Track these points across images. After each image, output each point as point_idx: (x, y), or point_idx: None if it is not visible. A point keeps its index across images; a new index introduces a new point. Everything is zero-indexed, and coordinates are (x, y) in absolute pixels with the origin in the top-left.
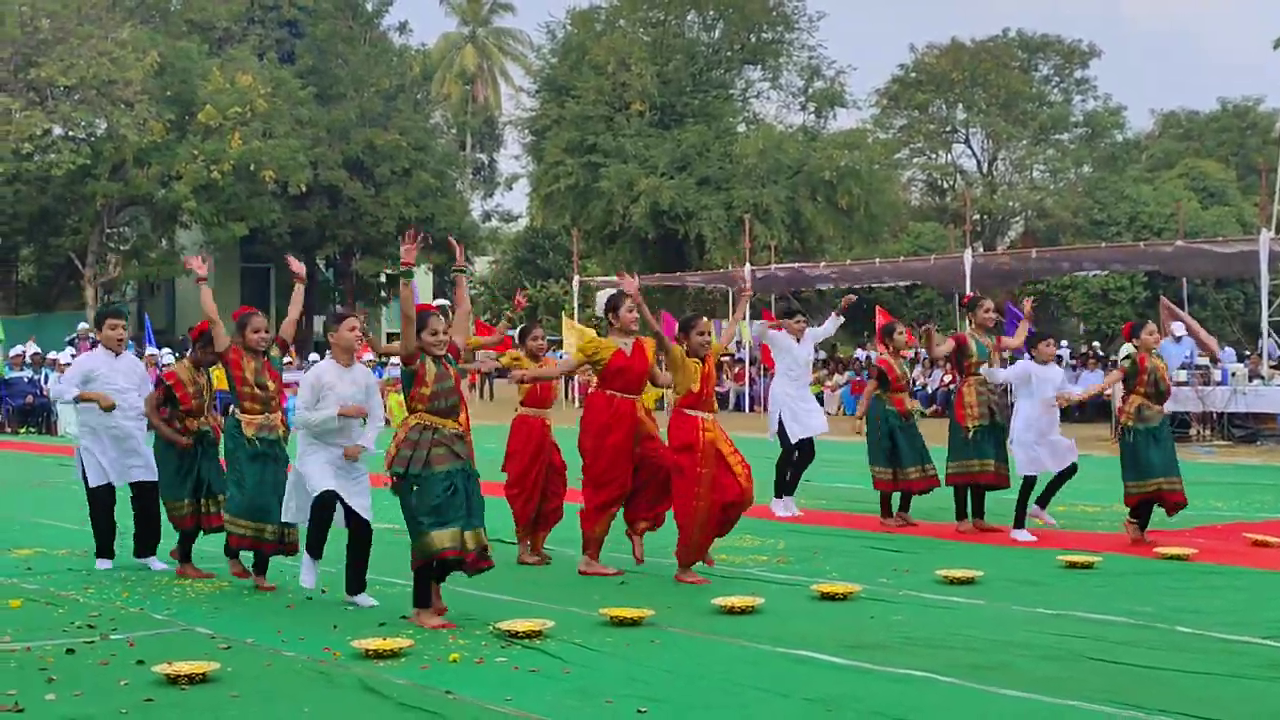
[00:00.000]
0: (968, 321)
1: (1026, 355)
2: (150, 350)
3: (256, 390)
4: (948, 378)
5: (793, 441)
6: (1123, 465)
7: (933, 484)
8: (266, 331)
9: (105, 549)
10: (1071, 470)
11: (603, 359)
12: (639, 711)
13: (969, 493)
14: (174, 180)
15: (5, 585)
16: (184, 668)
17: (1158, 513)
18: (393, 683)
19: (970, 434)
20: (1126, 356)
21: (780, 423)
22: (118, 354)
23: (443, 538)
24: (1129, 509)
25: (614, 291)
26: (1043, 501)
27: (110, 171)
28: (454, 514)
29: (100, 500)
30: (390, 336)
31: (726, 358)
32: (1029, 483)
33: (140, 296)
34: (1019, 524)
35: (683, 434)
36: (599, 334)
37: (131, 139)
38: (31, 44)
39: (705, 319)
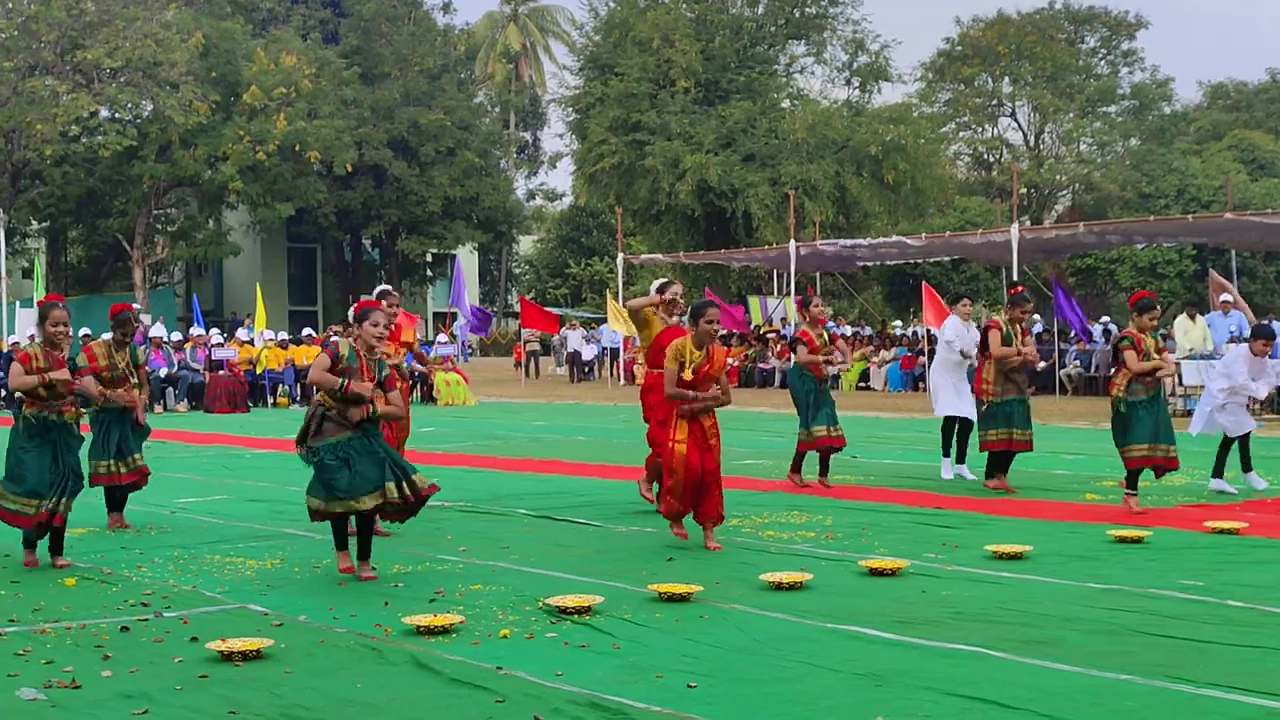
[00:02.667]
0: (1003, 311)
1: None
2: (197, 330)
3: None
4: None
5: (952, 413)
6: (1114, 432)
7: (839, 443)
8: (66, 325)
9: None
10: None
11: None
12: (689, 686)
13: (998, 455)
14: (220, 161)
15: (61, 565)
16: (238, 645)
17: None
18: (444, 659)
19: (985, 407)
20: (1124, 337)
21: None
22: None
23: (318, 503)
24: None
25: (668, 283)
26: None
27: (157, 153)
28: (343, 485)
29: None
30: (437, 316)
31: (772, 334)
32: (1226, 442)
33: (188, 277)
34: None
35: (666, 405)
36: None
37: (177, 120)
38: (77, 27)
39: (715, 308)
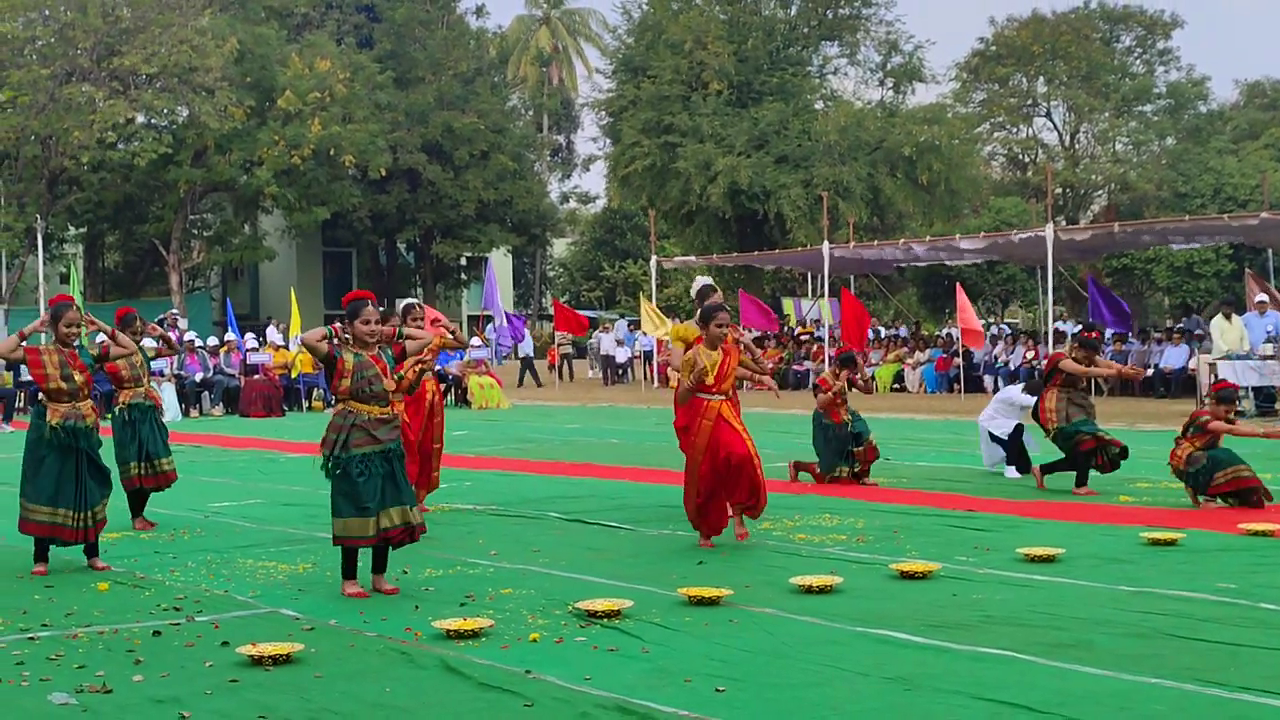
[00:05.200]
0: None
1: None
2: (231, 335)
3: (62, 384)
4: (1030, 354)
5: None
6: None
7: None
8: (77, 326)
9: None
10: None
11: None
12: (717, 690)
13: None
14: (255, 166)
15: (100, 569)
16: (268, 649)
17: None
18: (473, 663)
19: (1051, 434)
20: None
21: None
22: None
23: (351, 525)
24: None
25: (709, 288)
26: None
27: (192, 158)
28: (371, 499)
29: None
30: (471, 319)
31: (806, 337)
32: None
33: (224, 281)
34: None
35: (688, 413)
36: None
37: (213, 126)
38: (113, 33)
39: (724, 311)
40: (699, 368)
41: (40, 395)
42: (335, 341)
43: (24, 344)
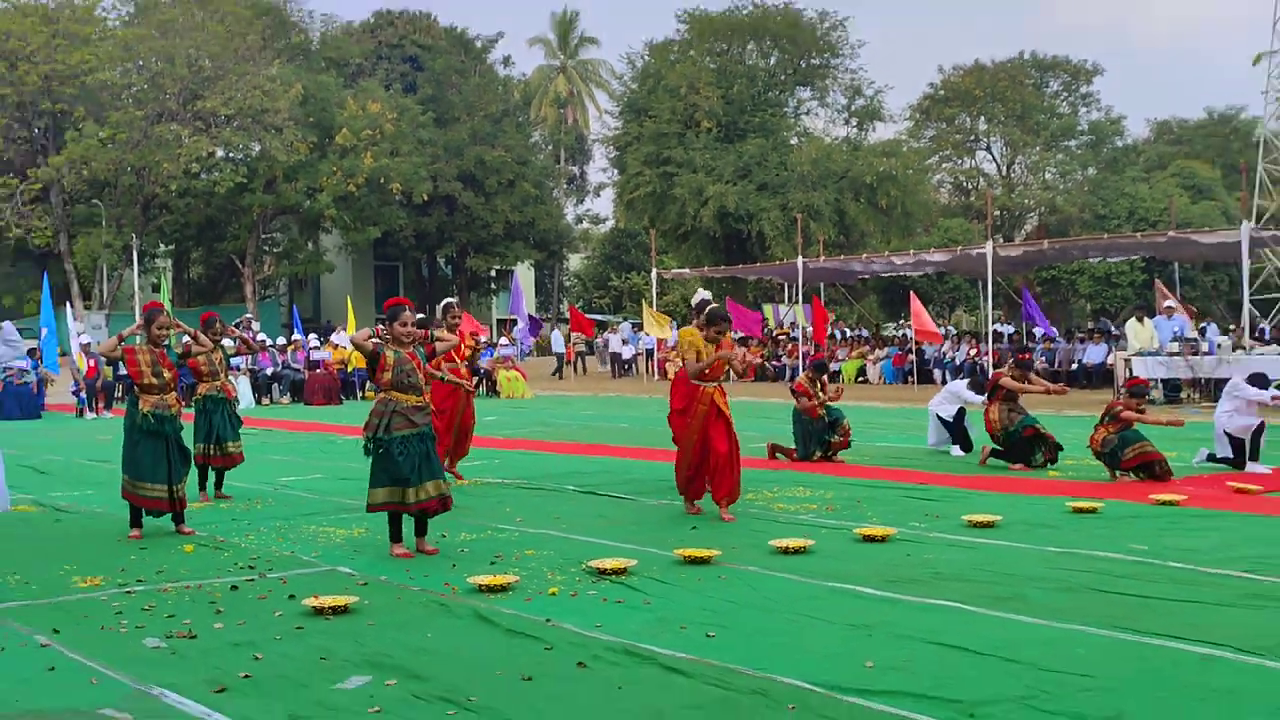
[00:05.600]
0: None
1: None
2: (297, 335)
3: (153, 379)
4: (973, 352)
5: None
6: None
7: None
8: (166, 329)
9: None
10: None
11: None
12: (708, 636)
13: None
14: (317, 193)
15: (186, 533)
16: (328, 601)
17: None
18: (501, 612)
19: (999, 439)
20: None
21: None
22: None
23: (387, 494)
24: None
25: (706, 301)
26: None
27: (264, 186)
28: (410, 472)
29: None
30: (500, 323)
31: (783, 337)
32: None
33: (290, 290)
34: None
35: (685, 398)
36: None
37: (281, 158)
38: (197, 80)
39: (726, 322)
40: (703, 359)
41: (134, 388)
42: (378, 340)
43: (122, 344)
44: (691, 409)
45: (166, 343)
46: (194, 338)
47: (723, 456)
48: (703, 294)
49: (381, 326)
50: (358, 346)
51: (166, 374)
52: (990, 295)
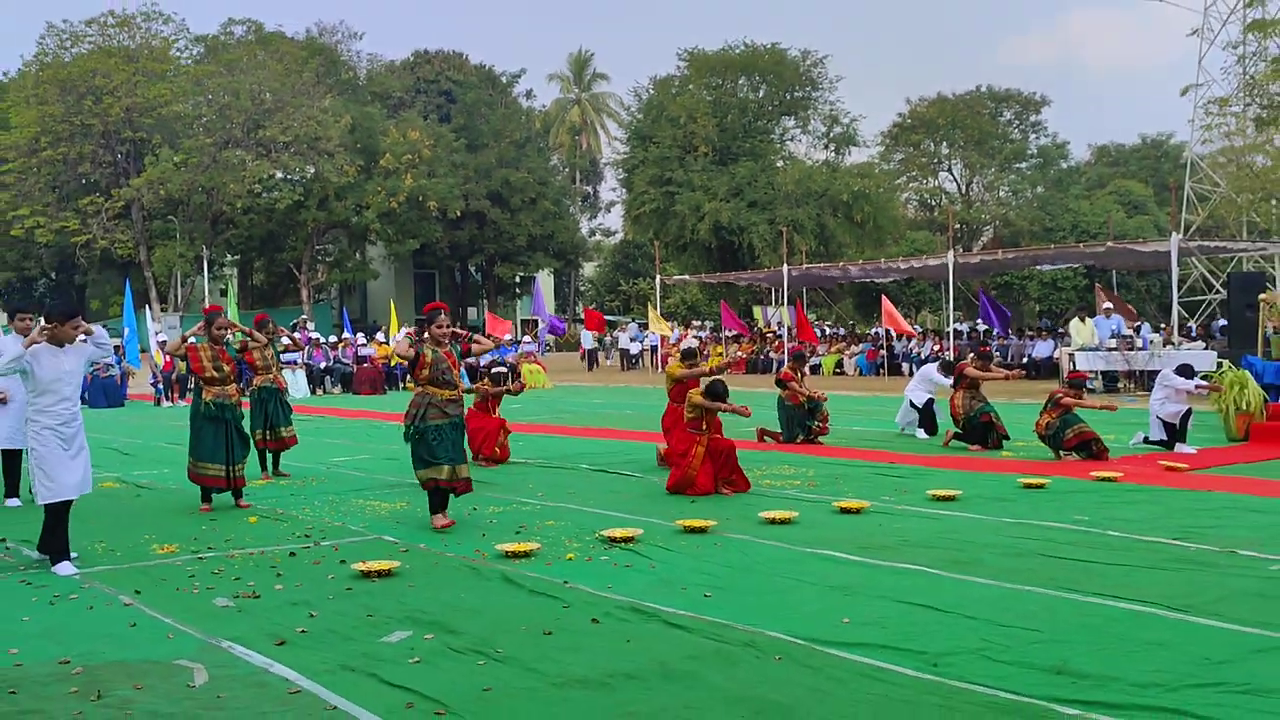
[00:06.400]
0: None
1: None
2: (346, 334)
3: (214, 372)
4: (936, 347)
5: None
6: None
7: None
8: (225, 329)
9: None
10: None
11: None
12: (705, 596)
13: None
14: (363, 209)
15: (244, 507)
16: (374, 565)
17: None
18: (525, 575)
19: (961, 422)
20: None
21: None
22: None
23: (428, 473)
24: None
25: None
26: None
27: (317, 204)
28: (443, 456)
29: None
30: (524, 323)
31: (770, 335)
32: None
33: (341, 294)
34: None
35: (684, 442)
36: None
37: (332, 180)
38: (259, 112)
39: (721, 386)
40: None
41: (199, 380)
42: (417, 344)
43: (185, 343)
44: (691, 450)
45: (226, 341)
46: (250, 335)
47: (727, 443)
48: (688, 344)
49: (416, 329)
50: (402, 356)
51: (226, 368)
52: (951, 298)
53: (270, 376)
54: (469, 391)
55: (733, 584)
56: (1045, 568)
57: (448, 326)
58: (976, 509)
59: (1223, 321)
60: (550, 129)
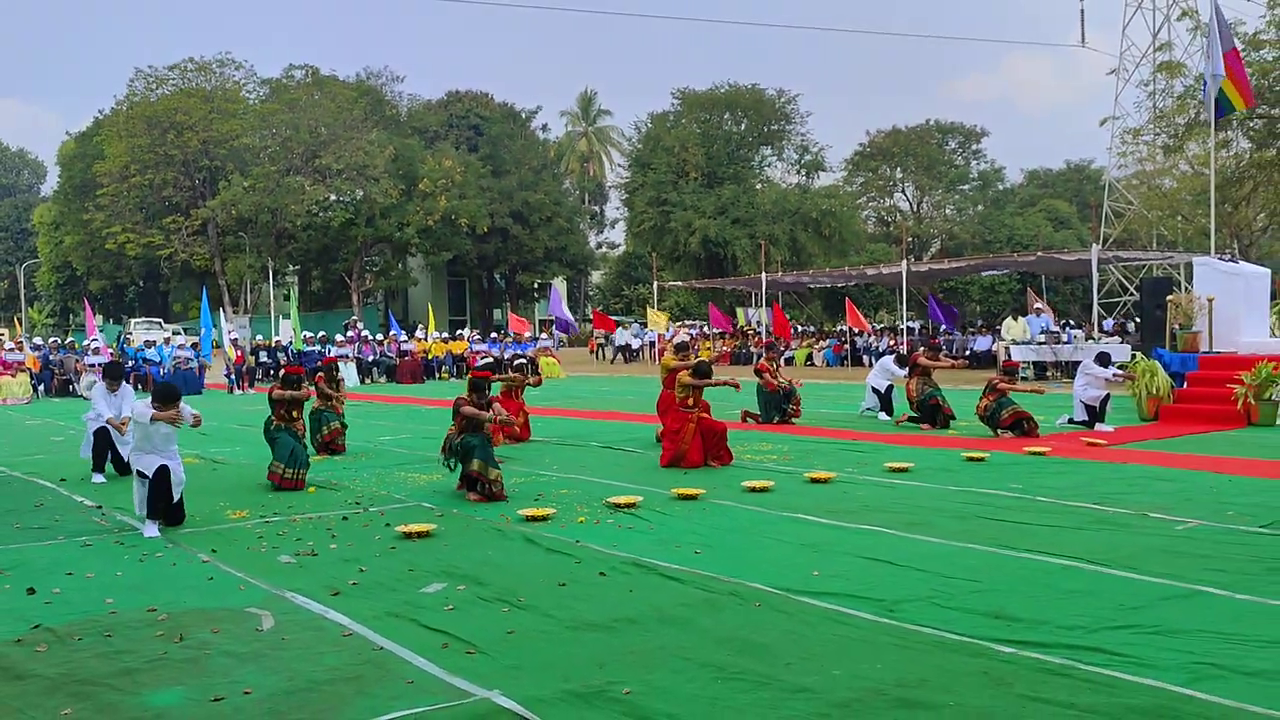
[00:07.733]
0: (922, 348)
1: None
2: (393, 332)
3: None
4: (891, 342)
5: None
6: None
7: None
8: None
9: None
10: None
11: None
12: (696, 552)
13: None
14: (405, 226)
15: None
16: (414, 528)
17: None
18: (543, 536)
19: (914, 404)
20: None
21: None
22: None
23: (468, 467)
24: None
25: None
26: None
27: (365, 221)
28: (481, 455)
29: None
30: (542, 324)
31: (751, 332)
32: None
33: (386, 299)
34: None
35: (678, 420)
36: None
37: (378, 201)
38: (316, 143)
39: (705, 368)
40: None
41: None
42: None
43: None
44: (683, 429)
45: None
46: (310, 385)
47: (719, 425)
48: (680, 339)
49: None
50: (472, 415)
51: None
52: (905, 300)
53: (331, 403)
54: (500, 379)
55: (719, 542)
56: (985, 529)
57: (489, 390)
58: (927, 479)
59: (1136, 319)
60: (562, 157)
